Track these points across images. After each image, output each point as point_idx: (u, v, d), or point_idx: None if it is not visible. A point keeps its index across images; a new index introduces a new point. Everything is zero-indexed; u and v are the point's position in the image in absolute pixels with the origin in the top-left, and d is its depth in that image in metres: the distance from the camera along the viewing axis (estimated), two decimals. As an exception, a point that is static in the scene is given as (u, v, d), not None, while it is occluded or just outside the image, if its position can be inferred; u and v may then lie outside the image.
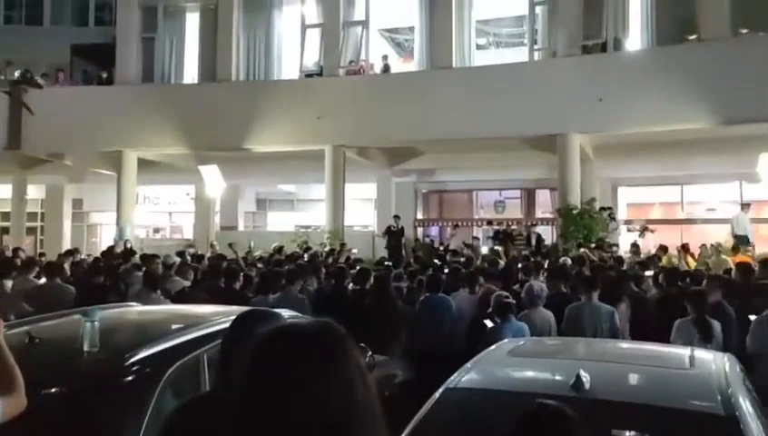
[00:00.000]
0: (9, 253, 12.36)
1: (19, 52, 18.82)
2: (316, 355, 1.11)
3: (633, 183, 17.72)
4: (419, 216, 19.65)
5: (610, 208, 14.60)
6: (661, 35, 14.11)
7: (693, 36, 13.75)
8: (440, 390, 2.83)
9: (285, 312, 3.68)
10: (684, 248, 12.54)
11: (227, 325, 3.24)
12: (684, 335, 5.08)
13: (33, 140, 16.33)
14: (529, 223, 17.48)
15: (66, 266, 8.73)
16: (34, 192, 20.95)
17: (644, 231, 14.64)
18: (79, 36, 20.97)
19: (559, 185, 14.45)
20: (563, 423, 1.65)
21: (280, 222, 21.19)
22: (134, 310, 4.12)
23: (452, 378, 2.92)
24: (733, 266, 9.26)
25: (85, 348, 2.72)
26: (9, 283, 7.34)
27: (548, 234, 16.48)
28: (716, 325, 5.12)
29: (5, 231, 21.04)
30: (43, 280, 7.54)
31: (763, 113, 12.20)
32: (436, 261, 11.20)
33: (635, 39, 14.58)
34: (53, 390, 2.53)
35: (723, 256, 11.80)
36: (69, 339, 2.88)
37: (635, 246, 12.55)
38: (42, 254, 13.64)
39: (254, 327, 2.12)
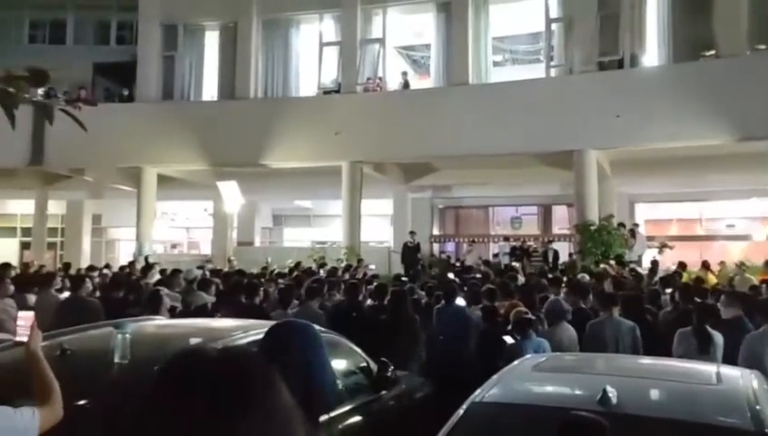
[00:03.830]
0: (35, 268, 12.59)
1: (42, 70, 19.21)
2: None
3: (651, 200, 17.63)
4: (435, 232, 19.65)
5: (636, 224, 14.61)
6: (678, 52, 14.10)
7: (710, 53, 13.73)
8: (465, 404, 2.84)
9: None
10: (705, 265, 12.45)
11: (251, 338, 3.30)
12: (682, 345, 5.06)
13: (54, 156, 16.59)
14: (546, 240, 17.40)
15: (88, 282, 8.81)
16: (55, 207, 21.25)
17: (662, 248, 14.53)
18: (101, 55, 21.36)
19: (576, 201, 14.41)
20: (599, 434, 1.66)
21: (297, 238, 21.29)
22: (161, 323, 4.18)
23: (477, 392, 2.93)
24: (757, 283, 9.18)
25: (116, 359, 2.77)
26: (33, 298, 7.47)
27: (565, 251, 16.40)
28: (717, 337, 5.05)
29: (27, 246, 21.36)
30: (65, 294, 7.64)
31: (783, 130, 12.13)
32: (450, 275, 11.19)
33: (651, 55, 14.58)
34: (85, 401, 2.58)
35: (748, 275, 11.66)
36: (100, 351, 2.93)
37: (654, 263, 12.45)
38: (67, 266, 13.61)
39: (287, 337, 2.14)
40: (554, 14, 15.30)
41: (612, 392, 2.54)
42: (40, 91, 17.48)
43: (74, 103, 2.42)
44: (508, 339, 5.56)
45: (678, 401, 2.80)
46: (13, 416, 2.11)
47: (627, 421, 2.46)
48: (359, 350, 4.50)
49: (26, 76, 2.21)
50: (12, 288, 7.07)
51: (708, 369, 3.33)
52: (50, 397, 2.26)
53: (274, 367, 1.04)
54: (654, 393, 2.92)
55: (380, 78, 16.48)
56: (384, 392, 4.40)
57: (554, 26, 15.37)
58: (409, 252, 15.87)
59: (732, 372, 3.20)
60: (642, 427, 2.47)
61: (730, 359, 4.83)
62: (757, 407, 2.55)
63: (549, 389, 3.18)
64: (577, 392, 2.97)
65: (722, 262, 13.34)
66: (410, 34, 18.20)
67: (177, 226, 23.12)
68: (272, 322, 2.78)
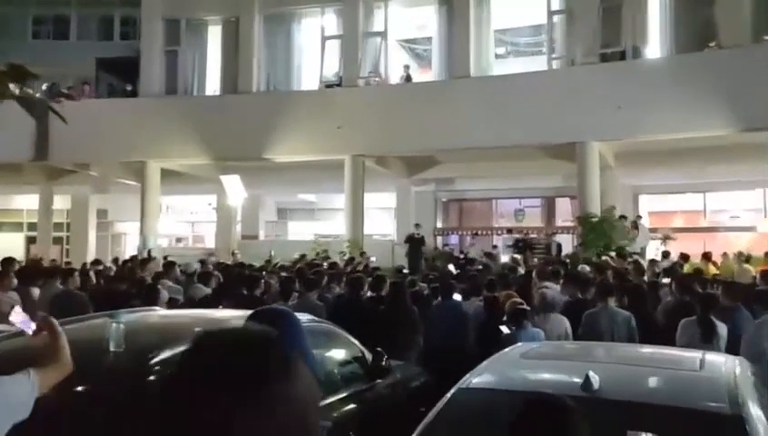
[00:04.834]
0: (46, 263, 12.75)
1: (46, 66, 19.31)
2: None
3: (654, 191, 17.59)
4: (439, 225, 19.68)
5: (639, 216, 14.62)
6: (680, 43, 14.05)
7: (713, 43, 13.66)
8: (452, 390, 2.90)
9: (302, 316, 3.77)
10: (706, 257, 12.44)
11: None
12: (686, 334, 5.12)
13: (59, 151, 16.69)
14: (549, 232, 17.41)
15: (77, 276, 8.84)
16: (60, 202, 21.39)
17: (665, 239, 14.53)
18: (104, 50, 21.40)
19: (579, 194, 14.41)
20: (562, 413, 1.70)
21: (301, 232, 21.35)
22: (158, 313, 4.25)
23: (464, 378, 2.99)
24: (755, 274, 9.19)
25: (111, 348, 2.84)
26: (36, 291, 7.57)
27: (569, 243, 16.40)
28: (721, 327, 5.09)
29: (32, 240, 21.53)
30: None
31: (786, 120, 12.09)
32: (451, 267, 11.24)
33: (654, 47, 14.53)
34: (80, 388, 2.65)
35: (746, 266, 11.65)
36: (96, 340, 3.00)
37: (665, 255, 12.43)
38: (68, 263, 13.97)
39: (271, 324, 2.19)
40: (555, 5, 15.25)
41: (594, 378, 2.59)
42: (43, 86, 17.64)
43: (56, 98, 2.47)
44: (504, 329, 5.61)
45: (659, 387, 2.85)
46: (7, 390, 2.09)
47: (609, 406, 2.52)
48: (354, 339, 4.56)
49: (6, 72, 2.27)
50: (15, 281, 7.15)
51: (693, 355, 3.37)
52: (58, 355, 2.21)
53: (293, 353, 0.98)
54: (637, 379, 2.97)
55: (382, 72, 16.49)
56: (379, 381, 4.46)
57: (556, 18, 15.33)
58: (414, 245, 15.89)
59: (715, 359, 3.24)
60: (623, 411, 2.52)
61: (731, 348, 4.86)
62: (736, 392, 2.60)
63: (535, 375, 3.23)
64: (561, 378, 3.02)
65: (724, 254, 13.31)
66: (412, 27, 18.18)
67: (182, 220, 23.24)
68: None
